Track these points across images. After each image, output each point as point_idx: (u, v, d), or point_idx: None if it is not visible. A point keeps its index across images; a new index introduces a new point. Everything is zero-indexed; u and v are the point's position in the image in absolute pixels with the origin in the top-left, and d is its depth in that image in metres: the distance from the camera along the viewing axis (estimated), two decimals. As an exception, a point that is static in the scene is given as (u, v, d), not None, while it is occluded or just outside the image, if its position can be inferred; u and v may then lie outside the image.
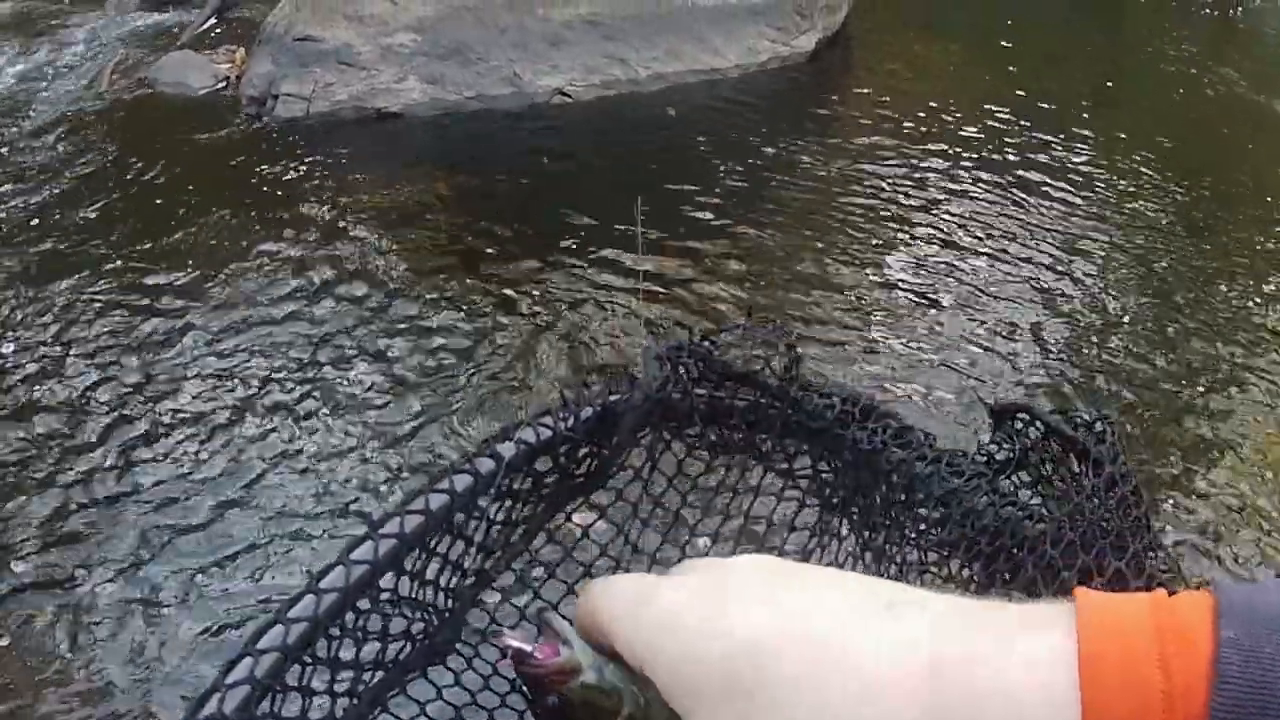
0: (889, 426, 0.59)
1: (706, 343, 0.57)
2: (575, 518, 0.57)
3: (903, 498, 0.59)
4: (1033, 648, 0.32)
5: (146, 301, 3.28)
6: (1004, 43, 5.48)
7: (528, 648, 0.43)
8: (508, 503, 0.52)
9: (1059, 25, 5.93)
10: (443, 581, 0.49)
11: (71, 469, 2.62)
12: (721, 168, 3.99)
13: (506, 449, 0.50)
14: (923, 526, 0.59)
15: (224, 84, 4.65)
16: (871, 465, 0.59)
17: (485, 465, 0.49)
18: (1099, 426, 0.60)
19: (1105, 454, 0.59)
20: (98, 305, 3.27)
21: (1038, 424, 0.62)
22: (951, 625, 0.34)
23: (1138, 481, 0.59)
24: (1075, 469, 0.60)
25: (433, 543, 0.47)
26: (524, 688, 0.46)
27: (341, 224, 3.68)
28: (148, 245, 3.61)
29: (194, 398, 2.88)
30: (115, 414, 2.82)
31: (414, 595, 0.48)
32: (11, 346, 3.13)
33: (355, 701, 0.45)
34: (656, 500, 0.60)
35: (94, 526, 2.46)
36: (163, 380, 2.94)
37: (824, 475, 0.61)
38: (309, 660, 0.42)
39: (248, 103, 4.41)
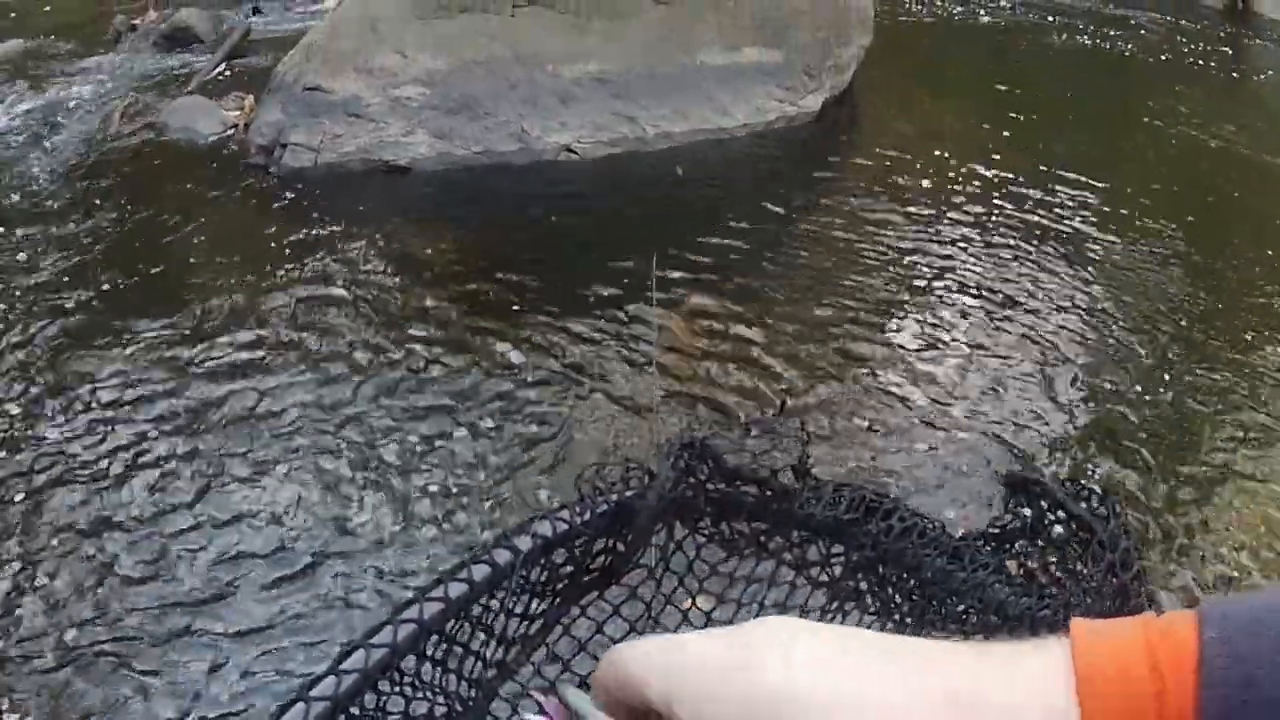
0: (902, 518, 0.62)
1: (719, 440, 0.60)
2: (590, 612, 0.59)
3: (917, 588, 0.61)
4: (1033, 666, 0.35)
5: (144, 349, 3.26)
6: (1010, 100, 5.51)
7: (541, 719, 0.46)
8: (524, 596, 0.54)
9: (1065, 83, 5.96)
10: (464, 670, 0.51)
11: (87, 536, 2.58)
12: (729, 228, 3.99)
13: (523, 542, 0.52)
14: (941, 613, 0.62)
15: (232, 131, 4.66)
16: (886, 559, 0.62)
17: (503, 556, 0.51)
18: (1103, 508, 0.62)
19: (1107, 535, 0.60)
20: (95, 350, 3.25)
21: (1046, 498, 0.64)
22: (960, 661, 0.37)
23: (1139, 567, 0.60)
24: (1079, 548, 0.62)
25: (452, 630, 0.49)
26: None
27: (345, 278, 3.67)
28: (149, 293, 3.60)
29: (176, 455, 2.86)
30: (84, 465, 2.79)
31: (435, 682, 0.50)
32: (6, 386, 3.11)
33: None
34: (668, 598, 0.62)
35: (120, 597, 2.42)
36: (148, 432, 2.92)
37: (835, 569, 0.64)
38: None
39: (256, 151, 4.43)
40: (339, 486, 2.73)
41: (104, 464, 2.81)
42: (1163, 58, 6.52)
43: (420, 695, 0.49)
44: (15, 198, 4.26)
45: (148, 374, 3.18)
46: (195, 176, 4.38)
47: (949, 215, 4.22)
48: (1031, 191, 4.48)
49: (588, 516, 0.54)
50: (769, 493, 0.60)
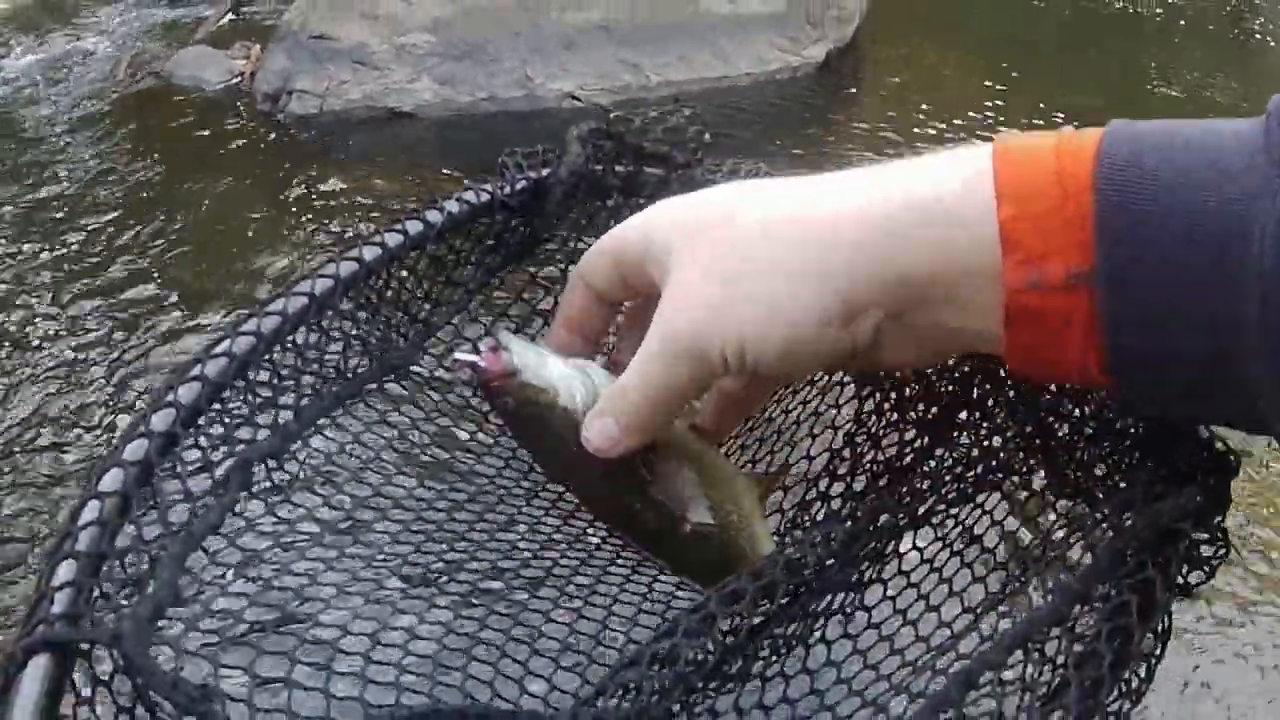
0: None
1: (623, 124, 0.64)
2: (512, 282, 0.66)
3: None
4: (948, 159, 0.41)
5: (147, 292, 3.32)
6: (1016, 54, 5.50)
7: (472, 358, 0.49)
8: (451, 259, 0.59)
9: (1071, 39, 5.94)
10: (394, 321, 0.57)
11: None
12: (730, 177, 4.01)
13: (451, 205, 0.58)
14: None
15: (239, 80, 4.69)
16: None
17: (433, 216, 0.57)
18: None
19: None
20: (96, 293, 3.31)
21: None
22: (890, 169, 0.42)
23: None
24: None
25: (379, 285, 0.55)
26: (481, 397, 0.52)
27: (349, 221, 3.71)
28: (156, 236, 3.64)
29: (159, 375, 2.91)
30: (105, 399, 2.85)
31: (362, 332, 0.55)
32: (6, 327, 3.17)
33: (321, 400, 0.52)
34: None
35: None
36: (130, 361, 2.98)
37: None
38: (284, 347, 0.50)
39: (262, 99, 4.45)
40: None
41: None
42: (1170, 14, 6.49)
43: (348, 340, 0.53)
44: (22, 147, 4.30)
45: (139, 316, 3.24)
46: (201, 124, 4.41)
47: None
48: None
49: (507, 190, 0.60)
50: (673, 170, 0.63)
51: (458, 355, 0.50)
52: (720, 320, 0.42)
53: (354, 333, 0.54)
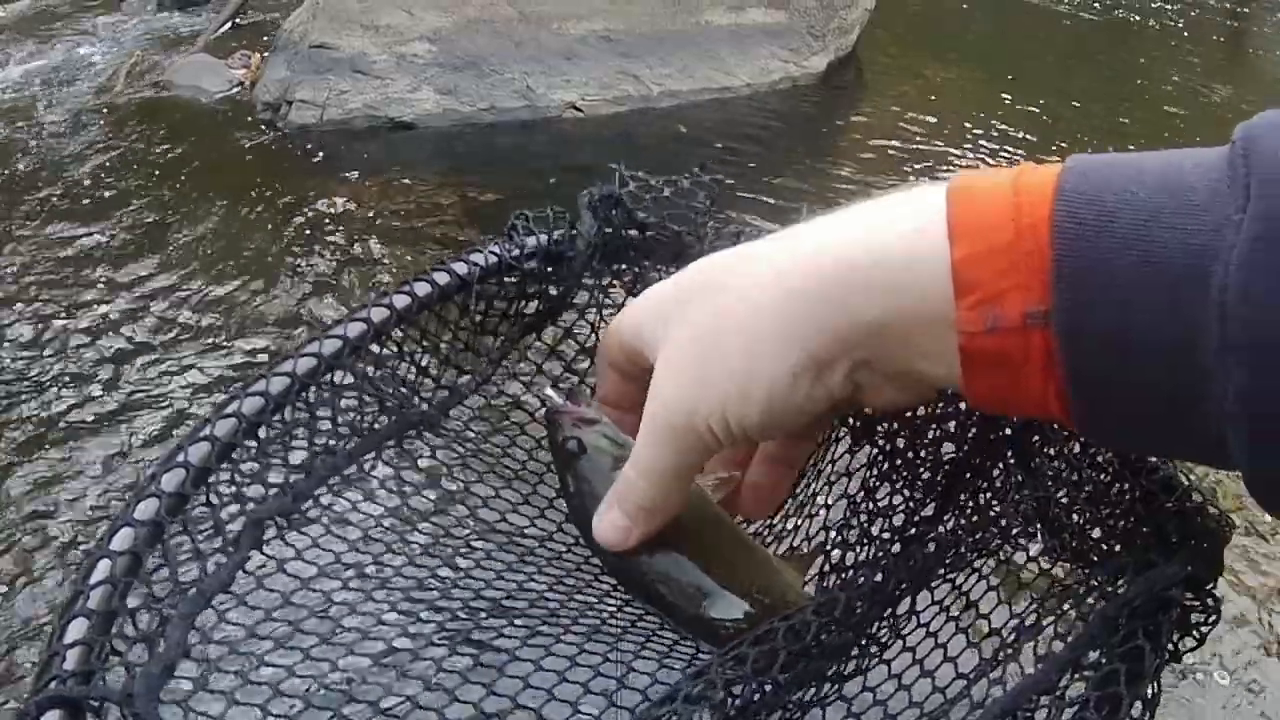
0: None
1: (636, 189, 0.65)
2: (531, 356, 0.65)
3: None
4: (909, 198, 0.40)
5: (144, 302, 3.30)
6: (1015, 66, 5.51)
7: (558, 398, 0.51)
8: (466, 325, 0.60)
9: (1071, 50, 5.96)
10: (413, 382, 0.58)
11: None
12: (731, 186, 4.01)
13: (459, 267, 0.59)
14: None
15: (239, 89, 4.67)
16: None
17: (441, 278, 0.58)
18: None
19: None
20: (94, 304, 3.29)
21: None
22: (858, 212, 0.42)
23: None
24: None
25: (396, 333, 0.56)
26: (552, 432, 0.53)
27: (349, 233, 3.70)
28: (153, 246, 3.63)
29: (180, 399, 2.90)
30: (100, 411, 2.83)
31: (388, 380, 0.56)
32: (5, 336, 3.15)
33: (331, 456, 0.52)
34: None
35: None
36: (151, 381, 2.96)
37: None
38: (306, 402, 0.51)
39: (262, 108, 4.44)
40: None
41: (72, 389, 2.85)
42: (1167, 27, 6.51)
43: (362, 398, 0.54)
44: (19, 156, 4.28)
45: (136, 325, 3.22)
46: (201, 133, 4.39)
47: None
48: (1035, 157, 4.49)
49: (516, 253, 0.60)
50: (682, 237, 0.64)
51: (549, 392, 0.52)
52: (700, 395, 0.43)
53: (369, 392, 0.55)
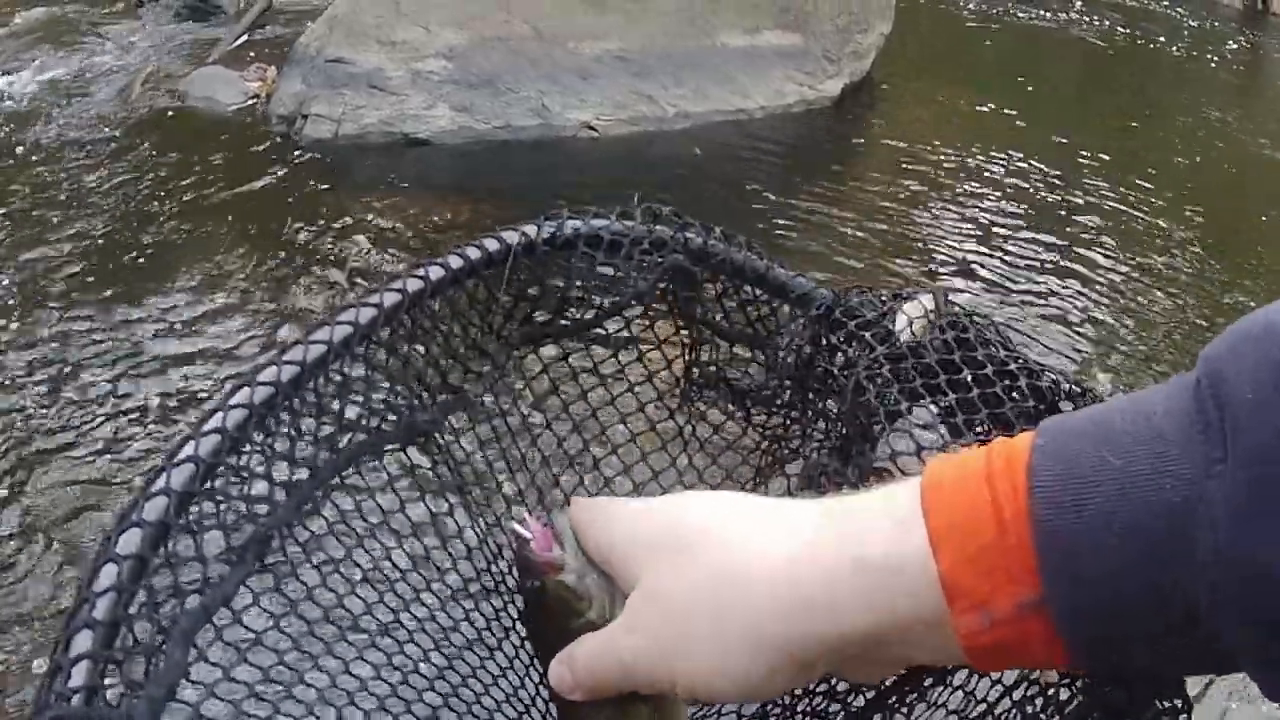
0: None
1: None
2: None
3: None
4: (885, 492, 0.41)
5: (151, 310, 3.30)
6: (1027, 93, 5.51)
7: (528, 535, 0.49)
8: (476, 326, 0.59)
9: (1084, 73, 5.97)
10: (423, 380, 0.56)
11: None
12: (746, 208, 4.01)
13: (472, 251, 0.57)
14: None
15: (254, 101, 4.68)
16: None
17: (455, 261, 0.56)
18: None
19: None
20: (102, 310, 3.29)
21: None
22: (836, 511, 0.42)
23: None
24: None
25: (408, 318, 0.54)
26: (516, 570, 0.52)
27: (361, 247, 3.69)
28: (163, 255, 3.63)
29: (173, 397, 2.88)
30: (105, 420, 2.82)
31: (400, 373, 0.54)
32: (16, 352, 3.14)
33: (334, 455, 0.51)
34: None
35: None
36: (157, 394, 2.95)
37: None
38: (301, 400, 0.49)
39: (277, 121, 4.45)
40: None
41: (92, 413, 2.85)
42: (1181, 54, 6.52)
43: (369, 393, 0.53)
44: (35, 162, 4.29)
45: (148, 338, 3.21)
46: (215, 145, 4.40)
47: (963, 206, 4.24)
48: (1048, 185, 4.49)
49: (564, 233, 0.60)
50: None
51: (515, 526, 0.50)
52: (668, 661, 0.44)
53: (378, 386, 0.54)
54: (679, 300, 0.66)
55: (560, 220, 0.60)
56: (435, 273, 0.55)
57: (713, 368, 0.68)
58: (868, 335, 0.59)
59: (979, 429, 0.52)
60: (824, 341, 0.62)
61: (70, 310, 3.34)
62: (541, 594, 0.49)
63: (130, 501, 0.44)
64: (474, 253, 0.56)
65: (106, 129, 4.53)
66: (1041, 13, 6.74)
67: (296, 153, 4.28)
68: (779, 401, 0.66)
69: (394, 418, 0.54)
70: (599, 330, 0.65)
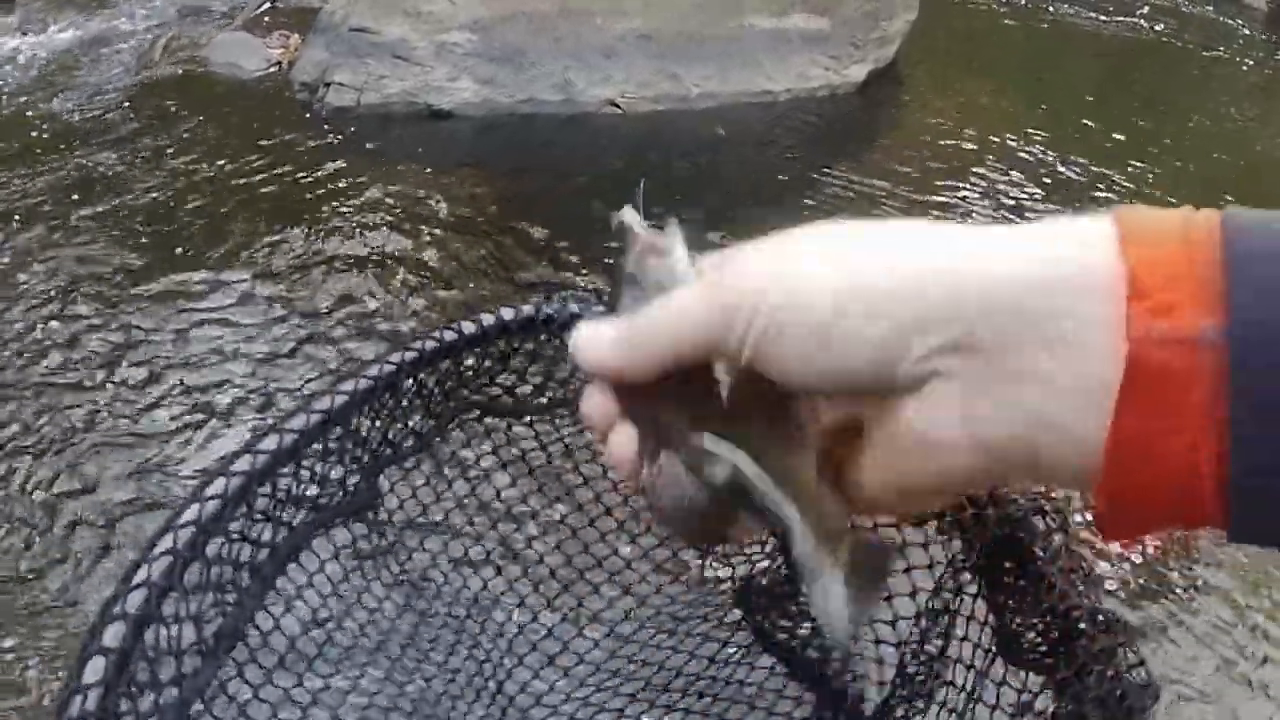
0: None
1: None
2: None
3: None
4: (1075, 221, 0.36)
5: (168, 278, 3.29)
6: (1053, 85, 5.48)
7: (640, 224, 0.43)
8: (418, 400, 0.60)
9: (1109, 68, 5.94)
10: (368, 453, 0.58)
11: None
12: (765, 191, 3.99)
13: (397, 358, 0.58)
14: None
15: (275, 69, 4.66)
16: None
17: (409, 355, 0.58)
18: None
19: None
20: (119, 278, 3.28)
21: None
22: (1003, 230, 0.37)
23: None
24: None
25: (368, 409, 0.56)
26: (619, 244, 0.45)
27: (382, 217, 3.68)
28: (185, 221, 3.62)
29: (197, 373, 2.89)
30: (112, 385, 2.82)
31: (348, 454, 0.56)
32: (32, 311, 3.14)
33: (292, 533, 0.53)
34: None
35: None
36: (169, 355, 2.95)
37: None
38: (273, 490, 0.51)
39: (299, 89, 4.43)
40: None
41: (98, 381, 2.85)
42: (1207, 48, 6.48)
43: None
44: (54, 124, 4.27)
45: (163, 308, 3.21)
46: (237, 112, 4.38)
47: (987, 194, 4.22)
48: (1067, 177, 4.47)
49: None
50: None
51: (628, 215, 0.44)
52: (759, 289, 0.37)
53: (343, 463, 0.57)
54: None
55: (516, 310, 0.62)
56: (387, 368, 0.57)
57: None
58: None
59: None
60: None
61: (83, 271, 3.33)
62: (636, 277, 0.42)
63: (112, 594, 0.44)
64: (429, 344, 0.59)
65: (127, 93, 4.52)
66: (1068, 8, 6.70)
67: (318, 121, 4.27)
68: None
69: (342, 494, 0.56)
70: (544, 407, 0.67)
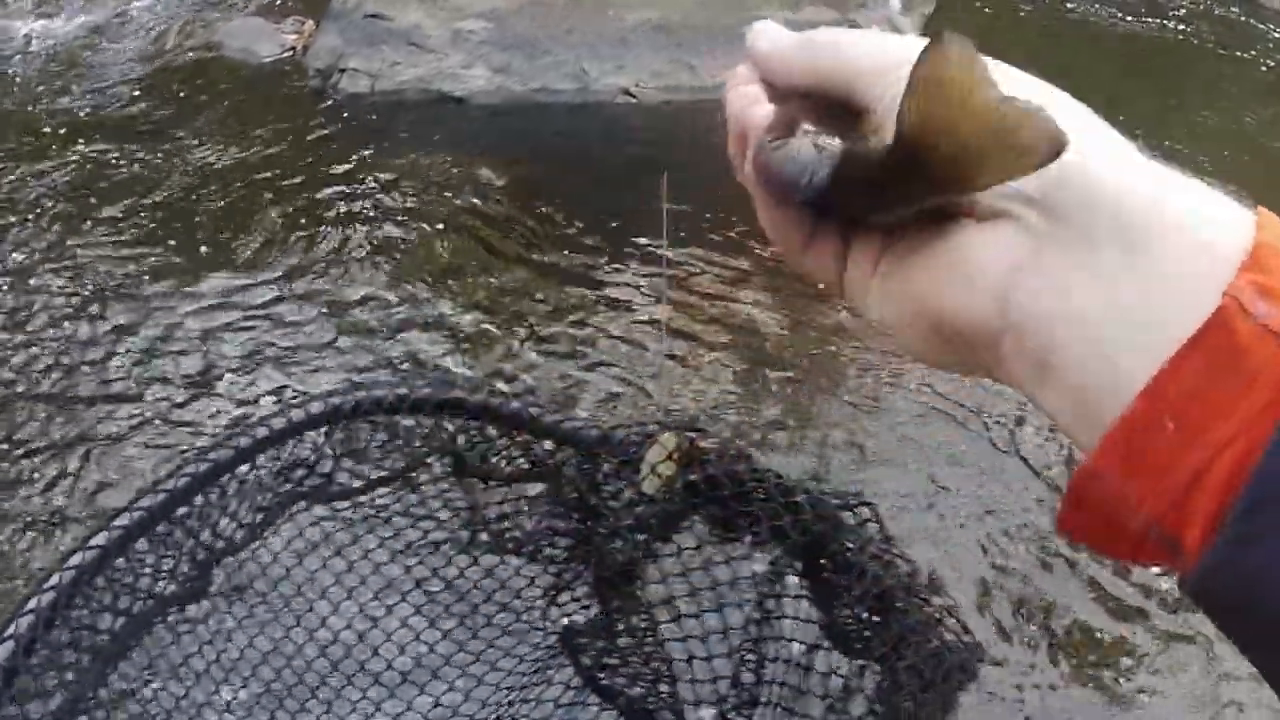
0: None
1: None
2: None
3: None
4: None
5: (185, 269, 3.29)
6: (1067, 83, 5.45)
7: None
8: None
9: (1123, 65, 5.91)
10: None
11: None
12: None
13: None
14: None
15: (290, 54, 4.66)
16: None
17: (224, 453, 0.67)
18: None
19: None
20: (129, 263, 3.28)
21: None
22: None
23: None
24: None
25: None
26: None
27: (395, 203, 3.68)
28: (198, 206, 3.62)
29: (203, 356, 2.89)
30: (121, 361, 2.82)
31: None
32: (46, 294, 3.14)
33: (130, 621, 0.56)
34: None
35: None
36: (179, 336, 2.95)
37: None
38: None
39: (313, 74, 4.43)
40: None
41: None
42: (1222, 45, 6.46)
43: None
44: (67, 108, 4.28)
45: (182, 301, 3.21)
46: (250, 97, 4.38)
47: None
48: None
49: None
50: None
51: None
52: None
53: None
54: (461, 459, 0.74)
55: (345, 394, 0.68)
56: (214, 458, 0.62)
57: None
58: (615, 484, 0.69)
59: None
60: (594, 478, 0.72)
61: (90, 257, 3.34)
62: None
63: None
64: (261, 432, 0.64)
65: (140, 77, 4.52)
66: (1086, 5, 6.68)
67: (332, 107, 4.26)
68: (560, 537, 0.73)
69: (175, 586, 0.60)
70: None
